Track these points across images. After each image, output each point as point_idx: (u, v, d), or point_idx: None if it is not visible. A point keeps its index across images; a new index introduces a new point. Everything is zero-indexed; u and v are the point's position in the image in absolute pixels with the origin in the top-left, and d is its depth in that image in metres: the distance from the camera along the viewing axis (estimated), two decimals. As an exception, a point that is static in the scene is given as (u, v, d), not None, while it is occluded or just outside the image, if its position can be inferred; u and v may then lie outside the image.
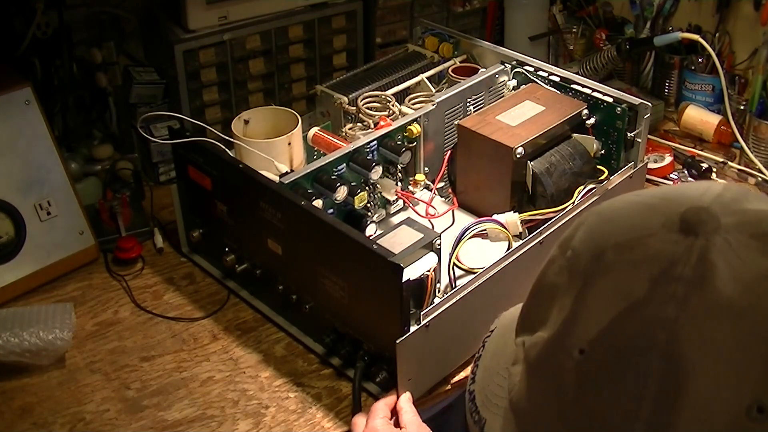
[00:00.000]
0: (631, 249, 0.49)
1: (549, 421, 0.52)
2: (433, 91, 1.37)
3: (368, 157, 1.21)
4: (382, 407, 0.98)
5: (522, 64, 1.39)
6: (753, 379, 0.46)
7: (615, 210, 0.54)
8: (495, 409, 0.59)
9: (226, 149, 1.20)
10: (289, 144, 1.21)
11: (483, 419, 0.60)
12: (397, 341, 0.97)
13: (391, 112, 1.30)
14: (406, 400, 1.01)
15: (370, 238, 1.11)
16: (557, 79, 1.35)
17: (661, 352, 0.46)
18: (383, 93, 1.33)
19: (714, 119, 1.59)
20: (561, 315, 0.52)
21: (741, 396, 0.46)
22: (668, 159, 1.51)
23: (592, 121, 1.29)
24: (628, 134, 1.27)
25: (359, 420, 0.99)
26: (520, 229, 1.19)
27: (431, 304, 1.02)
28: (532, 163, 1.21)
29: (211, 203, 1.20)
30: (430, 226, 1.19)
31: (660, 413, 0.46)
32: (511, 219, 1.18)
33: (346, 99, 1.32)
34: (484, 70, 1.40)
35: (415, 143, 1.26)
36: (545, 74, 1.36)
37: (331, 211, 1.17)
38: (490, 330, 0.67)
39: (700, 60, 1.63)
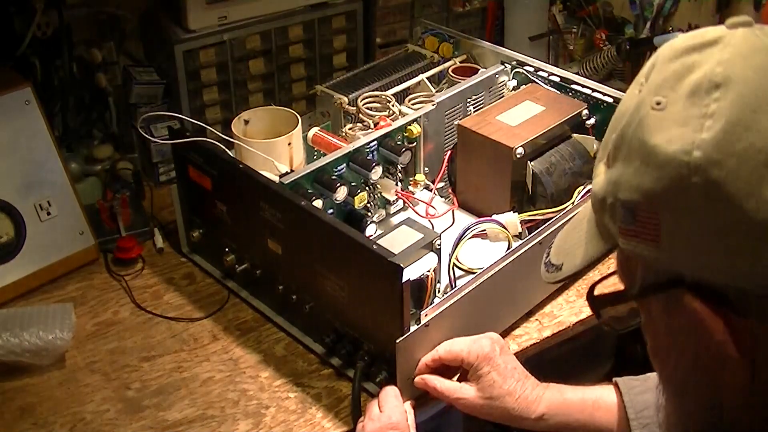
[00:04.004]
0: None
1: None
2: (433, 91, 1.37)
3: (368, 157, 1.21)
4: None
5: (522, 64, 1.39)
6: None
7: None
8: (570, 252, 0.65)
9: (226, 149, 1.20)
10: (289, 144, 1.21)
11: (560, 264, 0.67)
12: (397, 341, 0.97)
13: (391, 112, 1.29)
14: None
15: (370, 238, 1.12)
16: (557, 79, 1.35)
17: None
18: (383, 93, 1.33)
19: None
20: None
21: None
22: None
23: (592, 121, 1.29)
24: (628, 134, 1.27)
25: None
26: (520, 230, 1.19)
27: (431, 304, 1.03)
28: (532, 163, 1.21)
29: (211, 203, 1.20)
30: (430, 226, 1.19)
31: None
32: (511, 219, 1.18)
33: (346, 99, 1.32)
34: (484, 70, 1.40)
35: (415, 143, 1.26)
36: (545, 74, 1.36)
37: (331, 211, 1.17)
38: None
39: (700, 60, 1.63)
